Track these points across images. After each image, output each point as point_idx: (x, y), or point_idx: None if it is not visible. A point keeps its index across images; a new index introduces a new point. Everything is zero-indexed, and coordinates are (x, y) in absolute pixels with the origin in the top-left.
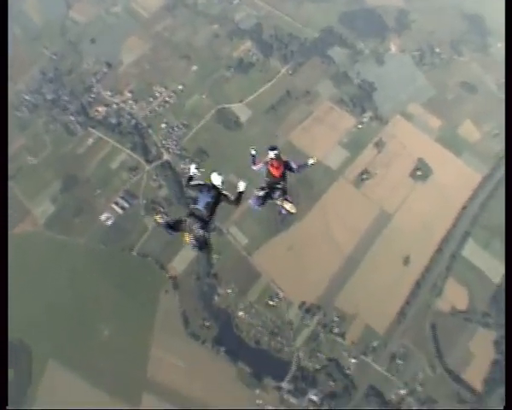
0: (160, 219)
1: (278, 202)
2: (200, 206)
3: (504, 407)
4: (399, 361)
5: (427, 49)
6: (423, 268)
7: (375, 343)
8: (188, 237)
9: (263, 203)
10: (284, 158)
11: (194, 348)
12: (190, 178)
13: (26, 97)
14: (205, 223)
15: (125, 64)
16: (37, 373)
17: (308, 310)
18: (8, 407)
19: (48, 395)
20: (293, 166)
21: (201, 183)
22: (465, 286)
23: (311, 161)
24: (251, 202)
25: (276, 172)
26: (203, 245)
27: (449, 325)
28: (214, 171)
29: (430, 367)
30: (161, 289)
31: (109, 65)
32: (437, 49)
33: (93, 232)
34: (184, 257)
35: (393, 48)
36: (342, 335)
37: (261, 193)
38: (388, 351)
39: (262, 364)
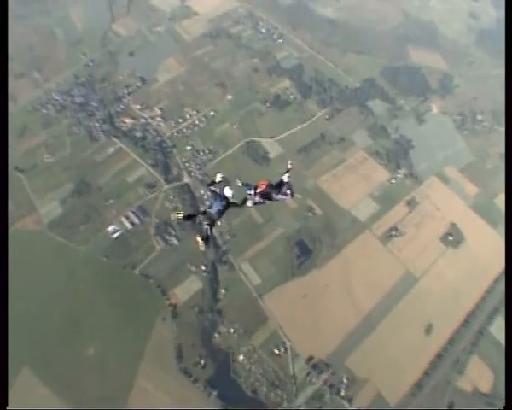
0: (179, 214)
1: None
2: (213, 211)
3: (504, 407)
4: None
5: (468, 115)
6: (446, 340)
7: None
8: (198, 240)
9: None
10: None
11: (184, 385)
12: (213, 183)
13: (56, 97)
14: (212, 222)
15: (159, 82)
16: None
17: (315, 366)
18: (8, 407)
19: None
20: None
21: (217, 191)
22: (490, 367)
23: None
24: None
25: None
26: (207, 240)
27: (468, 408)
28: (227, 185)
29: None
30: (159, 315)
31: (143, 80)
32: (479, 117)
33: (96, 242)
34: (189, 287)
35: (435, 109)
36: (350, 399)
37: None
38: None
39: None
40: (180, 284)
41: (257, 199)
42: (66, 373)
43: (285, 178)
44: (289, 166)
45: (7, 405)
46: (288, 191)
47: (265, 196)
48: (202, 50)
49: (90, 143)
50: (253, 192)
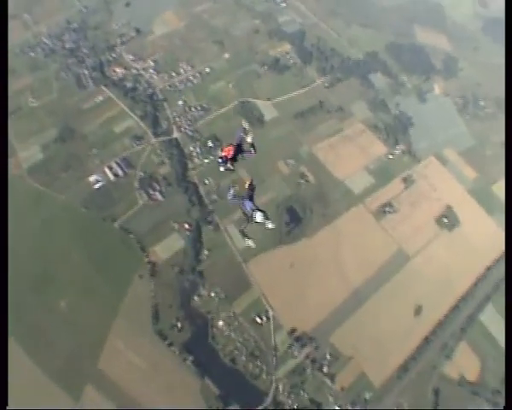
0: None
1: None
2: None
3: (504, 407)
4: None
5: (471, 100)
6: (435, 323)
7: (367, 395)
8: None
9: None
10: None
11: (159, 348)
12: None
13: (45, 40)
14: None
15: (155, 34)
16: None
17: (298, 339)
18: (8, 407)
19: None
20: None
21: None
22: (478, 355)
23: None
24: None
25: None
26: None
27: (454, 395)
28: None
29: None
30: (136, 272)
31: (138, 31)
32: (481, 102)
33: (77, 192)
34: (171, 245)
35: (437, 89)
36: (332, 376)
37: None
38: (381, 408)
39: (233, 387)
40: (161, 242)
41: (229, 165)
42: (36, 328)
43: (249, 139)
44: (245, 126)
45: (7, 405)
46: (252, 149)
47: (234, 158)
48: (202, 7)
49: (77, 90)
50: (223, 159)
